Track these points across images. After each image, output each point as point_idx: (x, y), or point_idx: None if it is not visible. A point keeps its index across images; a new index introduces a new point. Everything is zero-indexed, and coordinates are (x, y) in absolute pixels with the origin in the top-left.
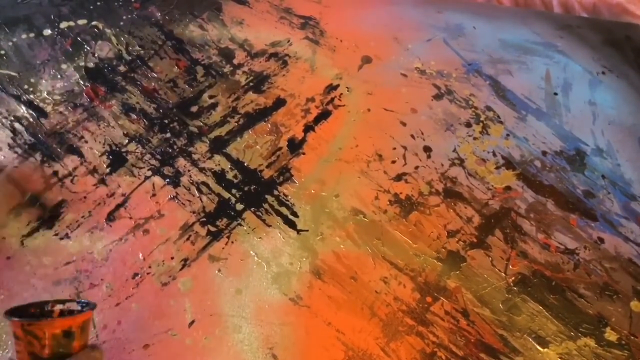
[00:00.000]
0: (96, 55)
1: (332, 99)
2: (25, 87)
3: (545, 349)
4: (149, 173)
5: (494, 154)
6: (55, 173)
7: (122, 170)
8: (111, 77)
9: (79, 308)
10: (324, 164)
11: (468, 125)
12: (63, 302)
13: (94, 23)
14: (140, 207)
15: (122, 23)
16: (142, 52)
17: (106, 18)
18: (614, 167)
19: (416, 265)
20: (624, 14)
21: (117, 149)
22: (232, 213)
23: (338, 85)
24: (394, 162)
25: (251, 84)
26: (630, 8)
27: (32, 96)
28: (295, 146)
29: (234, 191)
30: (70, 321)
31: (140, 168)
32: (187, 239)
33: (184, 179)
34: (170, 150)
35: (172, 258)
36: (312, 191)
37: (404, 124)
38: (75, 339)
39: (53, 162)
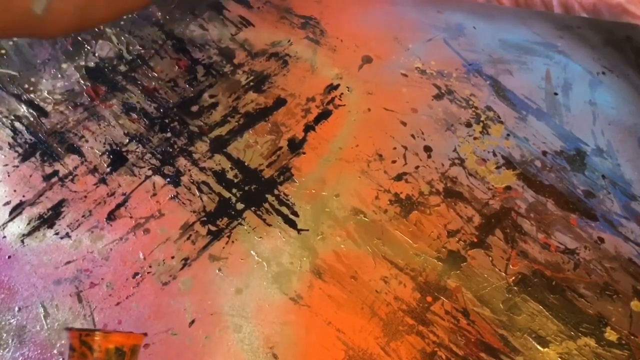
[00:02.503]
0: (97, 54)
1: (333, 99)
2: (26, 86)
3: (546, 349)
4: (150, 172)
5: (494, 154)
6: (56, 172)
7: (122, 170)
8: (112, 76)
9: None
10: (324, 164)
11: (468, 125)
12: (110, 332)
13: None
14: (141, 207)
15: (122, 22)
16: (142, 51)
17: None
18: (614, 167)
19: (416, 265)
20: (624, 15)
21: (118, 148)
22: (233, 212)
23: (338, 85)
24: (394, 161)
25: (252, 83)
26: (630, 8)
27: (32, 95)
28: (295, 146)
29: (234, 190)
30: (124, 339)
31: (141, 167)
32: (188, 238)
33: (185, 179)
34: (171, 150)
35: (173, 257)
36: (313, 191)
37: (405, 124)
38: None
39: (53, 162)
